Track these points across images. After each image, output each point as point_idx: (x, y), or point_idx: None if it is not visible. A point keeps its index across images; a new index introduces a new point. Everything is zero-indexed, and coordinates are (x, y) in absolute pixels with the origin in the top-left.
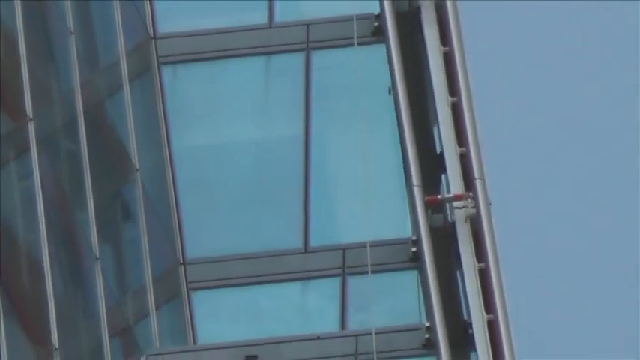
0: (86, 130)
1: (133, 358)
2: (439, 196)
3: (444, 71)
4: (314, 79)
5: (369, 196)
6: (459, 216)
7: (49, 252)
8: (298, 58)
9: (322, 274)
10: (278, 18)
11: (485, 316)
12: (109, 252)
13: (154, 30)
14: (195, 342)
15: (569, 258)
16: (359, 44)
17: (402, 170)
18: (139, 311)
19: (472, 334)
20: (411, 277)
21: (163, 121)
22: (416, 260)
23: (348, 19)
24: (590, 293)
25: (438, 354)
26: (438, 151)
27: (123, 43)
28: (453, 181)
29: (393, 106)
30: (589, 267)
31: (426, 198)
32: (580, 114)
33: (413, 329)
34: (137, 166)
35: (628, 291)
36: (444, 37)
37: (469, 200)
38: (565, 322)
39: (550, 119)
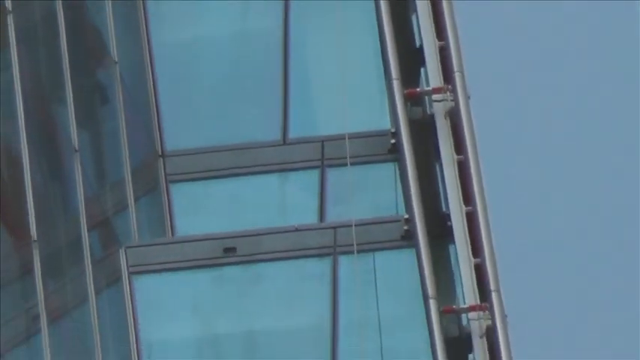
0: (65, 23)
1: (111, 250)
2: (418, 89)
3: None
4: None
5: (348, 89)
6: (438, 109)
7: (28, 145)
8: None
9: (301, 167)
10: None
11: (464, 208)
12: (88, 144)
13: None
14: (173, 234)
15: (550, 163)
16: None
17: (382, 63)
18: (118, 203)
19: (451, 226)
20: (390, 170)
21: (142, 14)
22: (395, 152)
23: None
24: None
25: (416, 246)
26: (418, 44)
27: None
28: (431, 74)
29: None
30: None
31: (405, 91)
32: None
33: (392, 221)
34: (116, 59)
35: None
36: None
37: (448, 93)
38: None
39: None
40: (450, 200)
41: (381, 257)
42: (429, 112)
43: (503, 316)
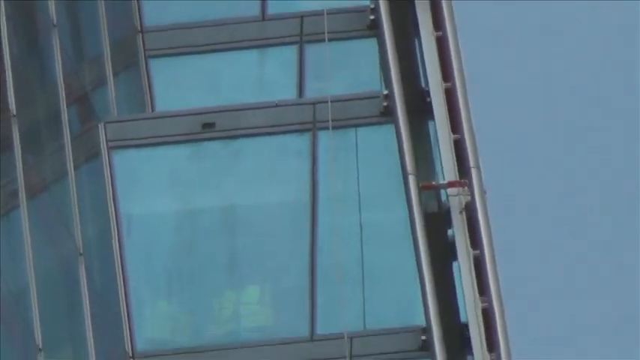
0: None
1: (90, 125)
2: None
3: None
4: None
5: None
6: None
7: (7, 19)
8: None
9: (280, 42)
10: None
11: (444, 84)
12: (66, 19)
13: None
14: (152, 110)
15: None
16: None
17: None
18: (97, 79)
19: (430, 103)
20: (369, 46)
21: None
22: (374, 28)
23: None
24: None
25: (395, 122)
26: None
27: None
28: None
29: None
30: None
31: None
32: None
33: (370, 97)
34: None
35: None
36: None
37: None
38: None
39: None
40: (429, 76)
41: (360, 133)
42: None
43: (482, 192)
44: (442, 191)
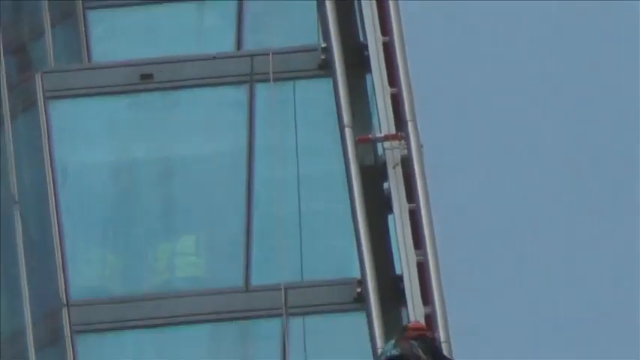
0: None
1: (27, 75)
2: None
3: None
4: None
5: None
6: None
7: None
8: None
9: None
10: None
11: (381, 38)
12: None
13: None
14: (90, 61)
15: None
16: None
17: None
18: (35, 29)
19: (368, 56)
20: None
21: None
22: None
23: None
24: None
25: (333, 75)
26: None
27: None
28: None
29: None
30: None
31: None
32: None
33: (309, 50)
34: None
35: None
36: None
37: None
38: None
39: None
40: (367, 30)
41: (298, 86)
42: None
43: (419, 146)
44: (379, 145)
